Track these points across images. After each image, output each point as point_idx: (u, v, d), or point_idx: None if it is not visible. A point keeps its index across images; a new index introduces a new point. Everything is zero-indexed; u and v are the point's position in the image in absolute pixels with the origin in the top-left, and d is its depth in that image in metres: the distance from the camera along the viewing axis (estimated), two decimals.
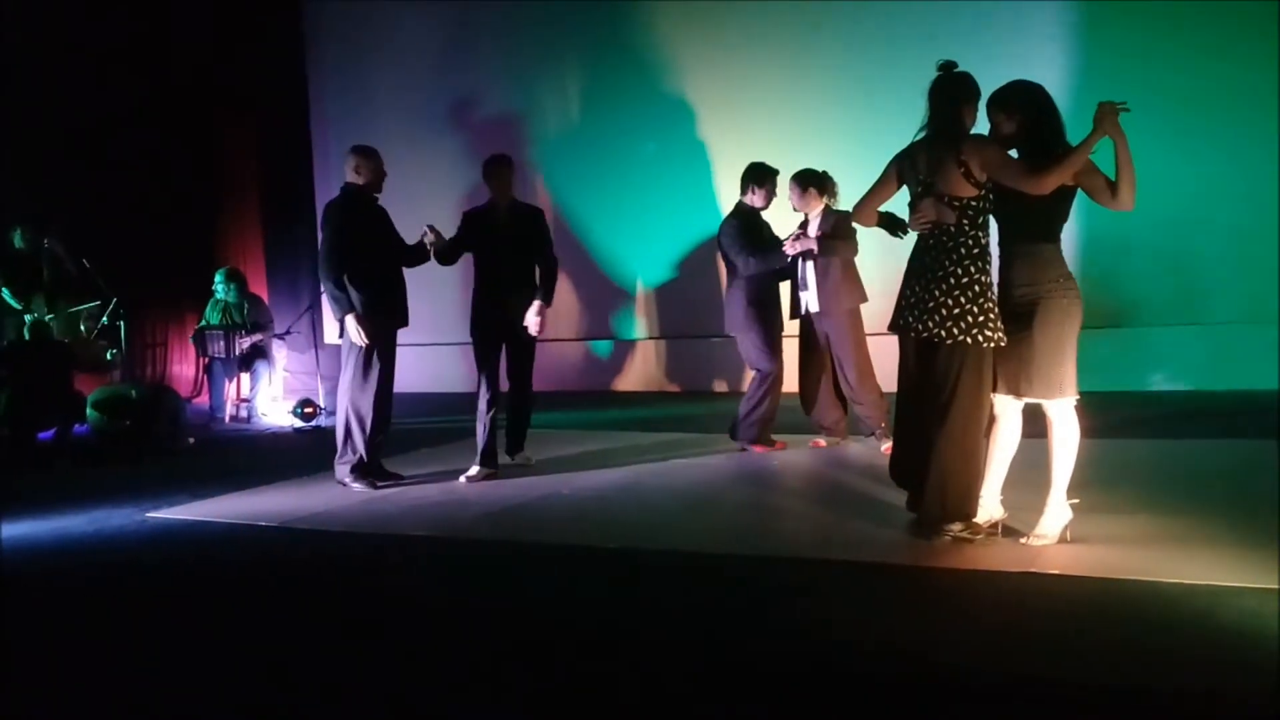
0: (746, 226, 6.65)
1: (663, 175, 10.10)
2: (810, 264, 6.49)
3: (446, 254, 6.32)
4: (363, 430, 5.95)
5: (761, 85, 9.56)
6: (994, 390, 4.26)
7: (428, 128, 11.23)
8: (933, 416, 4.24)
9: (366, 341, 5.84)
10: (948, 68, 4.31)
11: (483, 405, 6.14)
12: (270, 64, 11.82)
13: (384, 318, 5.97)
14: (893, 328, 4.45)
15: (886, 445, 6.26)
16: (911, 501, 4.52)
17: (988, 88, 4.27)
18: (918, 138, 4.35)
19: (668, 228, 10.07)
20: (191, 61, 11.09)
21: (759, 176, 6.69)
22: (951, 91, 4.27)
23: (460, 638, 3.57)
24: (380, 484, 6.03)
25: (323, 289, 5.95)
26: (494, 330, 6.24)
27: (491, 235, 6.27)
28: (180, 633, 3.76)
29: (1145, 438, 6.46)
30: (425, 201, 11.10)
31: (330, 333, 11.09)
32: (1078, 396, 4.15)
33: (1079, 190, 4.18)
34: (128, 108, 10.50)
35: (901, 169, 4.41)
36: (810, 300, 6.57)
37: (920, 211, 4.29)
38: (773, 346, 6.63)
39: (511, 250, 6.27)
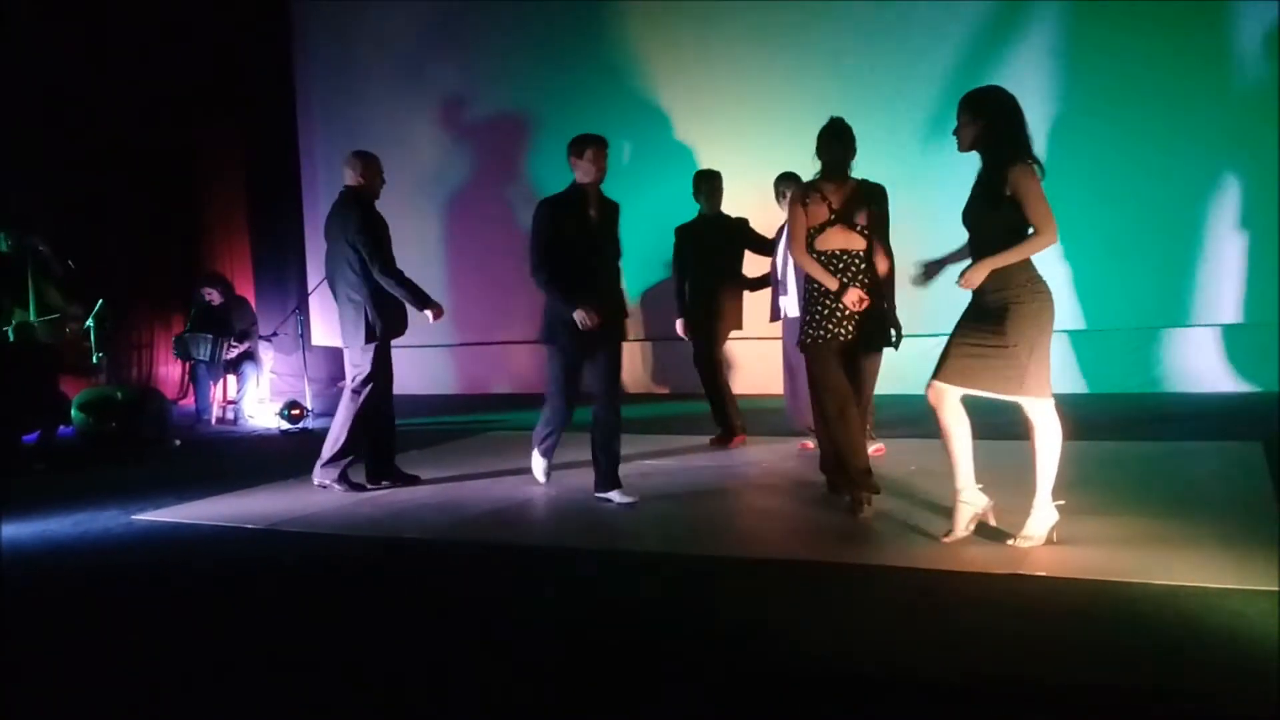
0: (679, 240, 7.20)
1: (649, 176, 10.09)
2: (791, 268, 6.44)
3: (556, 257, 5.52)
4: (364, 435, 5.96)
5: (750, 84, 9.56)
6: (942, 382, 4.38)
7: (415, 127, 11.21)
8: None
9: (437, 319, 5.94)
10: (838, 121, 4.99)
11: (562, 420, 5.68)
12: (257, 63, 11.78)
13: (393, 322, 5.96)
14: (811, 344, 5.04)
15: (875, 447, 6.26)
16: (859, 500, 4.92)
17: (969, 86, 4.35)
18: (815, 177, 5.03)
19: (656, 229, 10.05)
20: (178, 61, 11.04)
21: (694, 182, 7.14)
22: (847, 138, 4.96)
23: (448, 639, 3.56)
24: (370, 486, 6.02)
25: (383, 279, 5.82)
26: (592, 334, 5.43)
27: (586, 225, 5.48)
28: (166, 635, 3.74)
29: (1133, 440, 6.48)
30: (412, 202, 11.12)
31: (318, 335, 11.07)
32: (1051, 398, 4.19)
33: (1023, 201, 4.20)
34: (113, 107, 10.45)
35: (804, 204, 5.01)
36: (790, 305, 6.51)
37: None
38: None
39: (604, 243, 5.57)
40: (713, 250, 7.03)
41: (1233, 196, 8.17)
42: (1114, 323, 8.51)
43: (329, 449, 5.98)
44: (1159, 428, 6.86)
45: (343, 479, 5.96)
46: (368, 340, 5.84)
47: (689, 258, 7.15)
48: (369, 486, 6.02)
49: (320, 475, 6.00)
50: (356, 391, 5.91)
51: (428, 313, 5.91)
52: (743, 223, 7.12)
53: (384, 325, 5.88)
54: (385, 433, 6.12)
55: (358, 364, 5.91)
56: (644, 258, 10.29)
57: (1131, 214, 8.41)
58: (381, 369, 5.96)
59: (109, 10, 10.34)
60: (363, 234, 5.81)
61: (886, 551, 4.29)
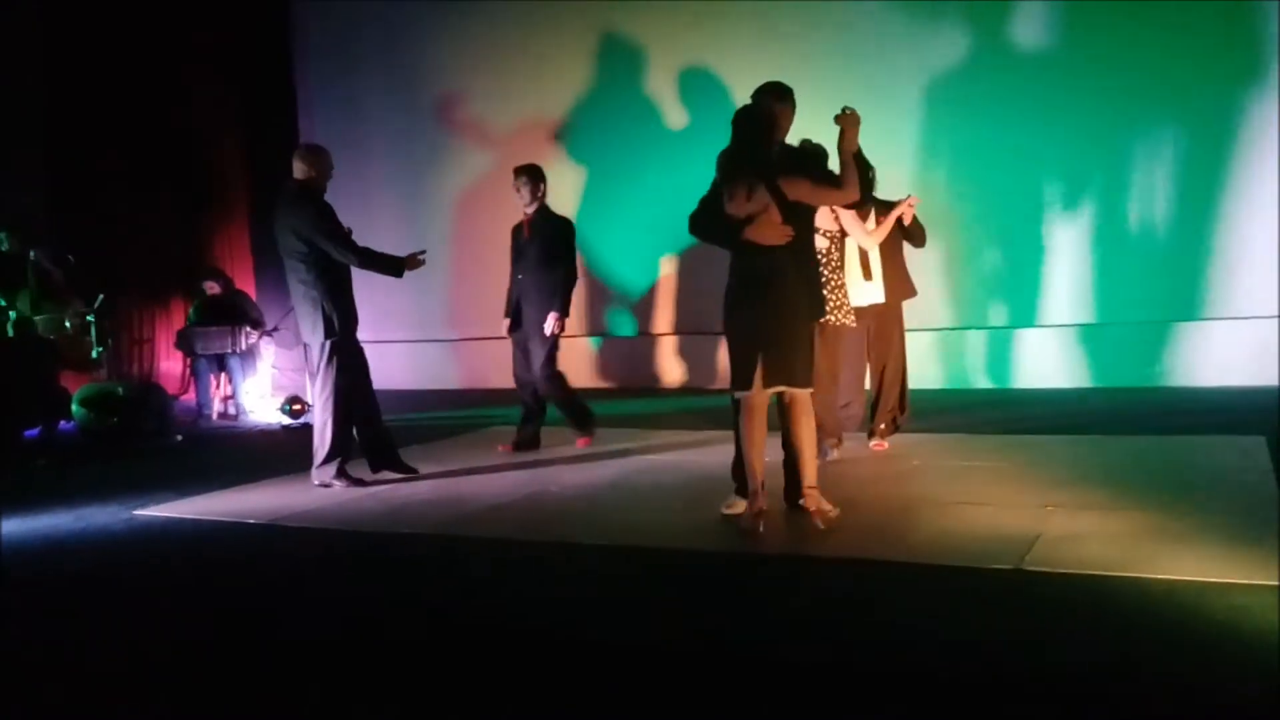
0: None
1: (655, 172, 10.06)
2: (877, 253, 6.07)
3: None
4: (350, 430, 5.97)
5: (762, 77, 9.50)
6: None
7: (416, 121, 11.20)
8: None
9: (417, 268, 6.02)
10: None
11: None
12: (258, 56, 11.76)
13: (353, 316, 6.01)
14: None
15: (876, 443, 6.23)
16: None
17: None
18: None
19: (661, 224, 10.03)
20: (178, 54, 11.03)
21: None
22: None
23: (449, 635, 3.56)
24: (368, 481, 6.01)
25: (360, 265, 5.91)
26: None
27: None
28: (167, 630, 3.74)
29: (1135, 434, 6.47)
30: (413, 195, 11.12)
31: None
32: (734, 392, 4.62)
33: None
34: (113, 101, 10.44)
35: None
36: (875, 293, 6.08)
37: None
38: None
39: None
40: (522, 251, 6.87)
41: (1243, 190, 8.13)
42: (1119, 317, 8.50)
43: (319, 450, 5.96)
44: (1162, 421, 6.84)
45: (341, 475, 5.95)
46: (327, 335, 5.84)
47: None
48: (367, 481, 6.01)
49: (318, 476, 5.97)
50: (324, 388, 5.89)
51: (421, 258, 6.00)
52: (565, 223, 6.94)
53: (342, 319, 5.88)
54: (373, 424, 6.11)
55: (320, 360, 5.88)
56: (645, 254, 10.31)
57: (1136, 207, 8.40)
58: (350, 362, 5.93)
59: (107, 7, 10.32)
60: (322, 229, 5.82)
61: (885, 545, 4.28)
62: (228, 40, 11.49)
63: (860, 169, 4.67)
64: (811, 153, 5.24)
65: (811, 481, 4.58)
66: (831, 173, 4.70)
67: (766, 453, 4.64)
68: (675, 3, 9.99)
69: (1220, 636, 3.09)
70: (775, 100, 4.73)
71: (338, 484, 5.92)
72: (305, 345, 5.97)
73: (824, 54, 9.25)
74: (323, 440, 5.94)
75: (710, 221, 4.66)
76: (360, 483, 5.96)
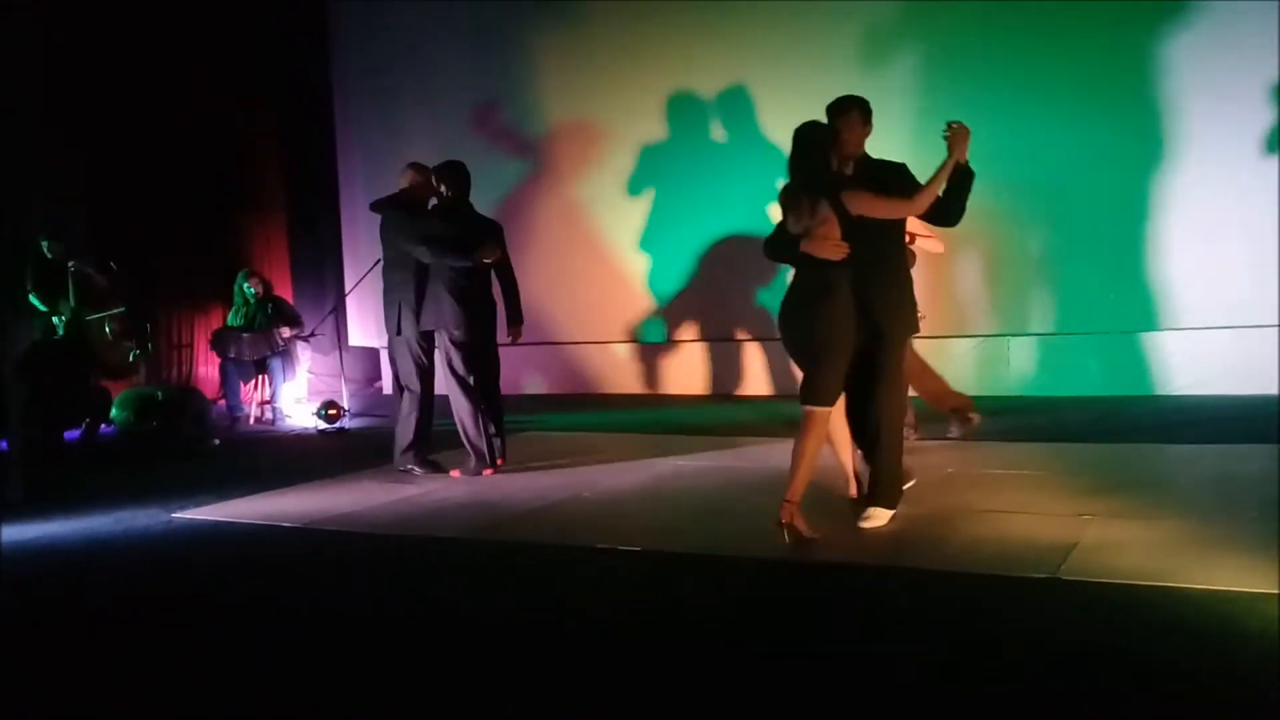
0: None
1: (689, 175, 10.05)
2: None
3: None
4: (430, 420, 6.54)
5: (790, 83, 9.48)
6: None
7: (453, 128, 11.23)
8: None
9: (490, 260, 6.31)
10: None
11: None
12: (294, 63, 11.86)
13: (429, 318, 6.48)
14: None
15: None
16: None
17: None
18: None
19: (695, 229, 10.02)
20: (216, 63, 11.15)
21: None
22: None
23: (484, 639, 3.58)
24: (444, 467, 6.45)
25: (434, 260, 6.23)
26: None
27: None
28: (205, 633, 3.79)
29: (1170, 442, 6.40)
30: None
31: (355, 335, 11.14)
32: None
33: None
34: (150, 108, 10.56)
35: None
36: None
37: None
38: None
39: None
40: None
41: (1247, 201, 8.02)
42: (1151, 325, 8.39)
43: (401, 440, 6.49)
44: (1196, 429, 6.75)
45: (421, 462, 6.44)
46: (420, 331, 6.38)
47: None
48: (444, 466, 6.43)
49: (400, 462, 6.48)
50: (406, 386, 6.49)
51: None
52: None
53: (417, 320, 6.37)
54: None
55: (396, 355, 6.56)
56: (681, 260, 10.30)
57: (1160, 214, 8.31)
58: (426, 360, 6.45)
59: (148, 11, 10.44)
60: (402, 234, 6.34)
61: (918, 554, 4.27)
62: (266, 50, 11.60)
63: (959, 187, 4.52)
64: (895, 167, 4.80)
65: (793, 496, 4.45)
66: (914, 185, 4.58)
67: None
68: (712, 8, 9.94)
69: (1258, 647, 3.05)
70: (835, 115, 4.69)
71: (418, 470, 6.41)
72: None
73: (877, 63, 9.14)
74: (404, 431, 6.46)
75: (775, 240, 4.68)
76: (437, 467, 6.43)
